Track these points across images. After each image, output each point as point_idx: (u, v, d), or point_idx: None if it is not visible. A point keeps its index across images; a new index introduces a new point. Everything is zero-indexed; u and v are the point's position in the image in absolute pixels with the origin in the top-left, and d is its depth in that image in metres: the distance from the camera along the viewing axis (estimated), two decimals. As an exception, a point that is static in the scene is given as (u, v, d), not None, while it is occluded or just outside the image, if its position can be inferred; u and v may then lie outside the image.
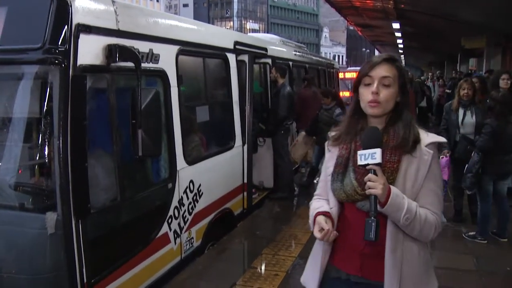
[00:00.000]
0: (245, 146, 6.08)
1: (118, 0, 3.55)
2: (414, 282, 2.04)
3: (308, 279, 2.26)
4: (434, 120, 16.38)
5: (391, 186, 1.94)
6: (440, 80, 18.27)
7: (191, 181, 4.60)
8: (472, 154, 5.41)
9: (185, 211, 4.50)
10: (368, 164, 1.93)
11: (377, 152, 1.93)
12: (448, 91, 15.99)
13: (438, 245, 5.55)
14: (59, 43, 2.99)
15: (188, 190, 4.55)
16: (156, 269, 4.10)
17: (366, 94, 2.06)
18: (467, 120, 5.81)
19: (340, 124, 2.26)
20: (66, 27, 3.02)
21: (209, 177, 5.02)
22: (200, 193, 4.77)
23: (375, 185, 1.90)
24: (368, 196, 1.94)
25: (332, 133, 2.26)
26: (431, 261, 2.21)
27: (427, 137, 2.08)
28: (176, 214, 4.35)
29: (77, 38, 3.06)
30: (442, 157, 5.95)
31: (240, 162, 5.99)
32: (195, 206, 4.68)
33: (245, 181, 6.13)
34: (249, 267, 4.75)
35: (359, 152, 1.97)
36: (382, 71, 2.04)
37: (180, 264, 4.48)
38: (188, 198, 4.54)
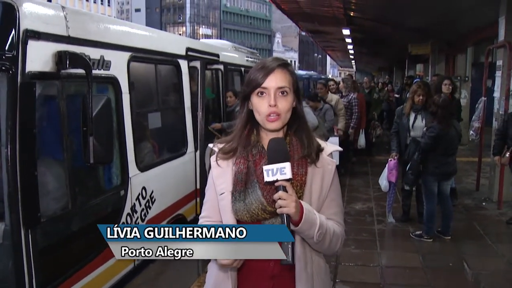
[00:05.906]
0: (198, 152, 6.09)
1: (68, 6, 3.53)
2: None
3: None
4: (385, 124, 16.90)
5: (302, 202, 1.78)
6: (389, 85, 18.84)
7: (144, 188, 4.58)
8: (415, 154, 5.66)
9: (138, 218, 4.47)
10: (277, 180, 1.72)
11: (287, 166, 1.72)
12: (396, 95, 16.53)
13: (388, 245, 5.77)
14: (6, 49, 2.94)
15: (140, 196, 4.52)
16: (109, 277, 4.05)
17: (262, 106, 1.84)
18: (417, 123, 6.05)
19: (229, 136, 2.00)
20: (13, 32, 2.97)
21: (161, 184, 5.01)
22: (153, 200, 4.75)
23: (287, 203, 1.70)
24: (279, 214, 1.74)
25: (219, 146, 1.99)
26: None
27: (327, 146, 1.97)
28: (129, 221, 4.32)
29: (25, 44, 3.01)
30: (391, 160, 6.18)
31: (192, 168, 5.99)
32: (147, 213, 4.66)
33: (198, 187, 6.14)
34: (203, 271, 4.77)
35: (265, 167, 1.74)
36: (278, 81, 1.84)
37: (133, 271, 4.45)
38: (140, 205, 4.52)
